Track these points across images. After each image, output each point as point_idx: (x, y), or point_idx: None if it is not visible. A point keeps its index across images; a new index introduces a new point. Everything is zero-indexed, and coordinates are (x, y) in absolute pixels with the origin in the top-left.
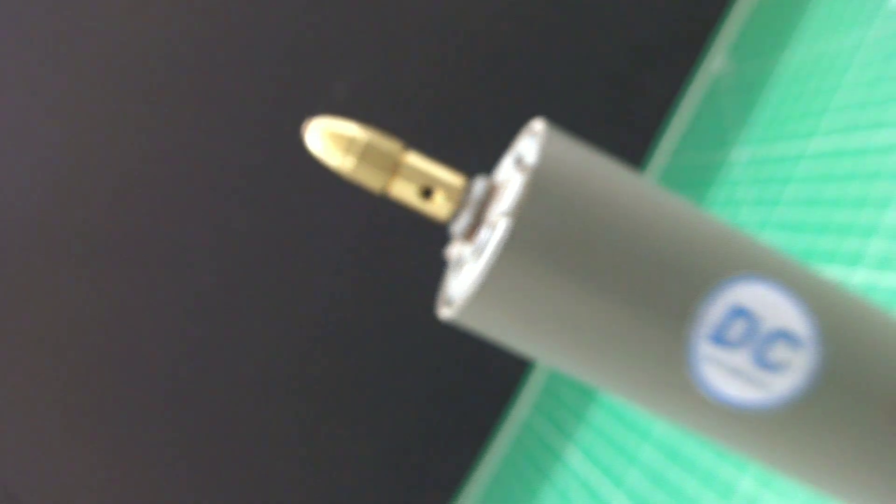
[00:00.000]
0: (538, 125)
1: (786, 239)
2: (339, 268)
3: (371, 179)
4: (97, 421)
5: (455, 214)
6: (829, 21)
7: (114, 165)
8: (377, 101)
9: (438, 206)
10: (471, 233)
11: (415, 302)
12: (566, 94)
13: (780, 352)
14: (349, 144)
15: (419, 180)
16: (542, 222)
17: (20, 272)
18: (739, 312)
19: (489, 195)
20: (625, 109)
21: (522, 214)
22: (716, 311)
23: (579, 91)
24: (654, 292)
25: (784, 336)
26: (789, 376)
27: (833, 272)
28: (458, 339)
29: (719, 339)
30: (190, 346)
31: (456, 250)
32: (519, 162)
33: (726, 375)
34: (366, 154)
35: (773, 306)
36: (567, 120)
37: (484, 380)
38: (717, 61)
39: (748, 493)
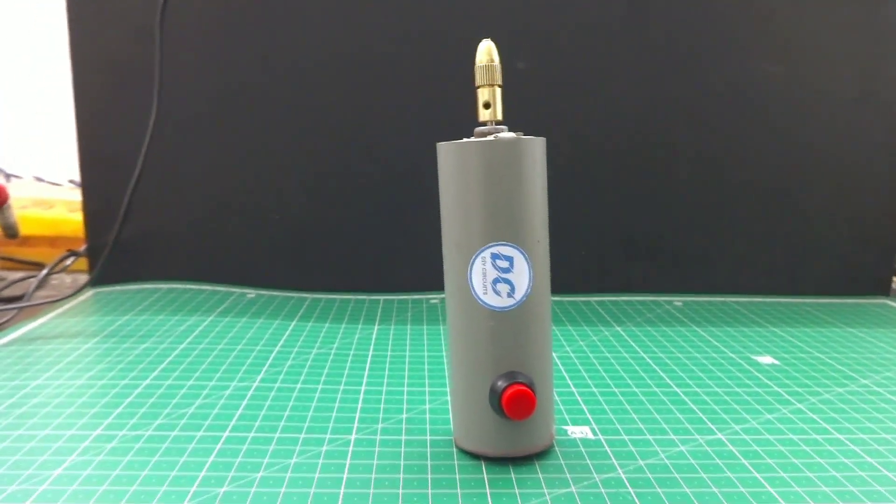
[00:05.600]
0: (539, 140)
1: None
2: None
3: (479, 77)
4: None
5: (485, 124)
6: None
7: None
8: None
9: (482, 114)
10: (480, 136)
11: None
12: None
13: (502, 290)
14: (489, 58)
15: (490, 99)
16: (493, 154)
17: None
18: (510, 259)
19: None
20: None
21: (495, 141)
22: (505, 248)
23: None
24: (490, 229)
25: (511, 287)
26: (496, 302)
27: None
28: None
29: (495, 256)
30: None
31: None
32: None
33: (478, 273)
34: (487, 67)
35: (522, 275)
36: None
37: None
38: None
39: None
